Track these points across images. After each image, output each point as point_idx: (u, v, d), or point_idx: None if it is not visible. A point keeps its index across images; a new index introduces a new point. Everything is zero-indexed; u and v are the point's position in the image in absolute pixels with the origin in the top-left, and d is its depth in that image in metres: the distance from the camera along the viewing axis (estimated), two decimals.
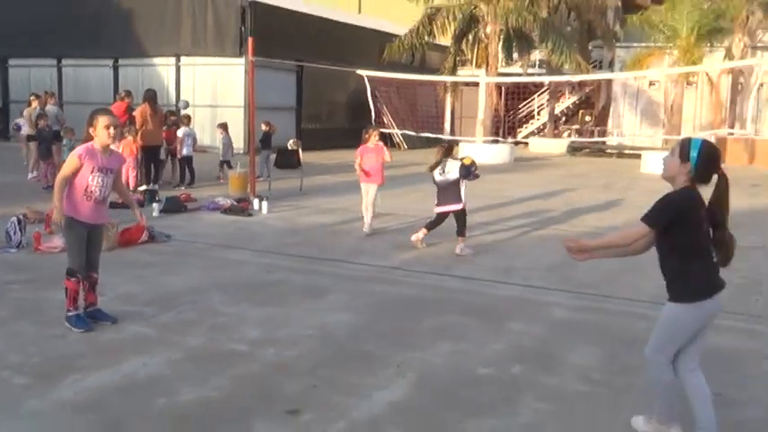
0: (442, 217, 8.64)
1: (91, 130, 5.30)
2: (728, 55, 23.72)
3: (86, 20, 24.94)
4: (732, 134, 23.67)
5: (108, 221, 6.33)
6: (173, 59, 24.43)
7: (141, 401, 4.07)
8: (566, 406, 4.14)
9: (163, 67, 24.72)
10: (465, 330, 5.46)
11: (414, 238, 8.64)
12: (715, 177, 3.50)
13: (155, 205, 10.81)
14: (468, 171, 8.44)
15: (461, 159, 8.62)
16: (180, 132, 14.45)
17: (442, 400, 4.18)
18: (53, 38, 25.50)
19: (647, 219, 3.49)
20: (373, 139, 9.50)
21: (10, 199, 11.35)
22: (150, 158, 13.41)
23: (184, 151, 14.32)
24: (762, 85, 24.18)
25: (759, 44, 24.74)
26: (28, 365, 4.57)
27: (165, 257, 7.88)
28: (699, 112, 24.93)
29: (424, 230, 8.66)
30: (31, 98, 15.98)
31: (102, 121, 5.26)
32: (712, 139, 23.67)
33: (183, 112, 16.92)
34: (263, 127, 15.68)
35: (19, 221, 8.20)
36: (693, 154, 3.46)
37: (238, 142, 22.90)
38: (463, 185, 8.47)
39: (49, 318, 5.57)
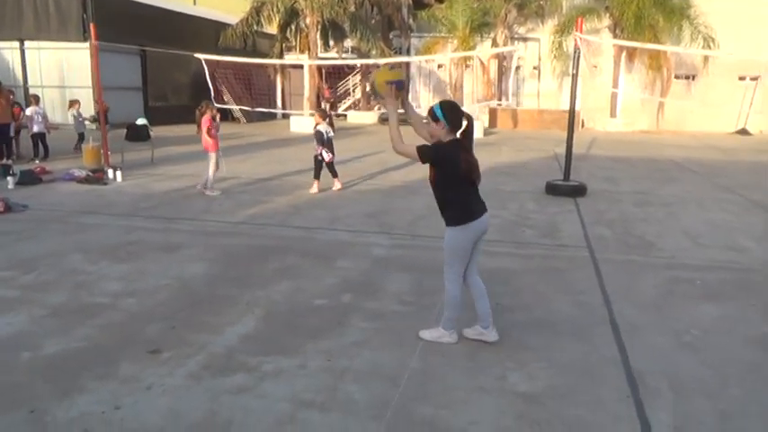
0: (328, 164, 9.37)
1: None
2: (494, 43, 25.23)
3: None
4: (500, 105, 25.31)
5: None
6: (17, 43, 21.59)
7: (7, 357, 3.62)
8: (385, 323, 4.24)
9: (7, 51, 21.78)
10: (303, 270, 5.41)
11: (312, 191, 9.20)
12: (464, 122, 3.69)
13: (9, 179, 9.55)
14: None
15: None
16: (29, 111, 12.87)
17: (285, 329, 4.12)
18: None
19: (420, 151, 3.64)
20: (211, 112, 9.04)
21: None
22: (1, 136, 11.84)
23: (35, 128, 12.73)
24: (519, 67, 25.98)
25: (516, 35, 26.50)
26: None
27: (22, 225, 7.02)
28: (475, 88, 26.30)
29: (316, 183, 9.26)
30: None
31: None
32: (486, 110, 25.24)
33: (30, 92, 15.05)
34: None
35: None
36: (439, 114, 3.66)
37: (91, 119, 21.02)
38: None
39: None
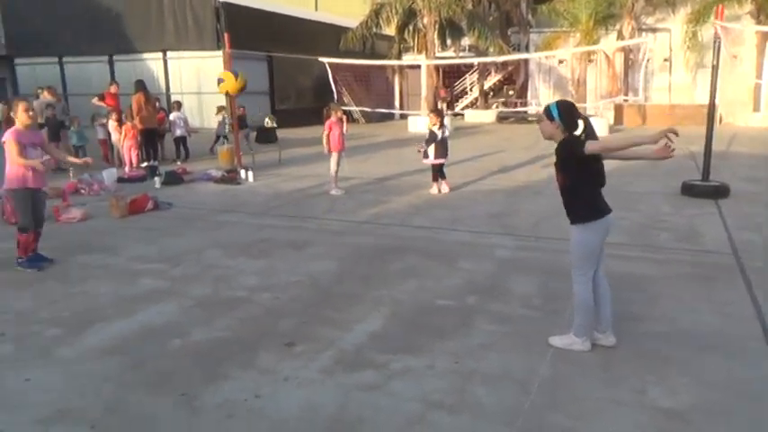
0: (437, 167, 9.21)
1: (12, 114, 5.46)
2: (620, 36, 23.89)
3: (84, 22, 23.89)
4: (627, 101, 23.95)
5: (47, 186, 6.17)
6: (160, 54, 23.56)
7: (160, 343, 3.95)
8: (513, 327, 4.16)
9: (152, 61, 23.82)
10: (426, 270, 5.44)
11: (433, 191, 9.18)
12: (581, 123, 3.54)
13: (156, 179, 10.46)
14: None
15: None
16: (172, 116, 14.02)
17: (411, 328, 4.16)
18: (56, 39, 24.44)
19: (575, 144, 3.49)
20: (336, 114, 9.30)
21: None
22: (148, 139, 12.97)
23: (177, 132, 13.83)
24: (648, 60, 24.44)
25: (643, 26, 24.93)
26: (58, 319, 4.40)
27: (168, 222, 7.65)
28: (599, 83, 25.09)
29: (435, 184, 9.26)
30: (39, 91, 15.15)
31: (21, 106, 5.43)
32: (611, 106, 24.02)
33: (172, 99, 16.37)
34: (239, 111, 15.26)
35: None
36: (555, 113, 3.55)
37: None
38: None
39: (74, 277, 5.38)
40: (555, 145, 3.63)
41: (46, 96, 13.14)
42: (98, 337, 4.07)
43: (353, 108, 24.78)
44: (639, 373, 3.48)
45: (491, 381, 3.41)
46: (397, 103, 31.53)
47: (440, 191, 9.22)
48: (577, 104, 3.88)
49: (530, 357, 3.69)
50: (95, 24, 23.84)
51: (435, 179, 9.32)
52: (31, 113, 5.50)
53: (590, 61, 24.35)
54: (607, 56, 24.56)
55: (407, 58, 26.39)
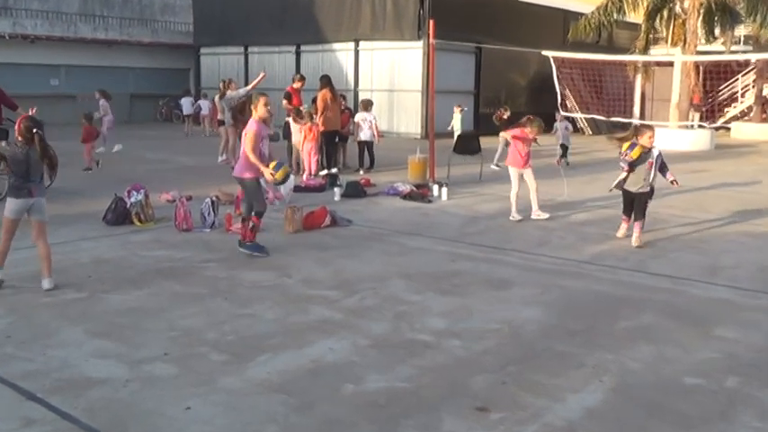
0: (630, 197, 8.04)
1: (252, 107, 7.28)
2: None
3: (271, 9, 26.42)
4: None
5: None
6: (351, 44, 25.13)
7: (330, 386, 4.16)
8: None
9: (342, 53, 25.52)
10: (666, 334, 5.10)
11: (620, 234, 8.33)
12: None
13: (336, 189, 11.15)
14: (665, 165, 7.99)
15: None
16: (358, 117, 14.75)
17: (645, 410, 3.91)
18: (240, 28, 27.39)
19: None
20: (532, 132, 9.31)
21: (202, 181, 12.19)
22: (330, 143, 13.86)
23: (362, 136, 14.47)
24: None
25: None
26: (223, 343, 4.84)
27: (346, 241, 8.09)
28: None
29: (624, 223, 8.32)
30: (222, 84, 16.89)
31: (262, 100, 7.23)
32: None
33: (360, 96, 17.42)
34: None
35: (212, 203, 8.77)
36: None
37: (416, 127, 23.34)
38: (652, 171, 7.91)
39: (241, 296, 5.91)
40: None
41: (233, 89, 14.66)
42: (264, 368, 4.40)
43: (578, 115, 24.25)
44: None
45: None
46: (636, 109, 30.22)
47: (633, 238, 7.95)
48: None
49: None
50: (284, 11, 26.29)
51: (628, 215, 8.22)
52: (269, 108, 7.29)
53: None
54: None
55: (656, 52, 25.23)
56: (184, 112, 25.11)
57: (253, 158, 7.05)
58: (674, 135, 21.05)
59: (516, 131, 9.48)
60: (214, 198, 8.97)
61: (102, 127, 17.09)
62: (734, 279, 6.62)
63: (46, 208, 6.12)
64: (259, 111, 7.20)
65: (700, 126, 22.92)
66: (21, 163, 5.86)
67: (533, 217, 9.42)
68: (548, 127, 9.52)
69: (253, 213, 7.32)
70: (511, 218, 9.37)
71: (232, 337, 4.97)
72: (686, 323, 5.34)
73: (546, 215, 9.42)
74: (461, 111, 18.71)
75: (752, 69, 28.35)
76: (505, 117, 15.49)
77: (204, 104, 24.52)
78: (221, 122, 15.56)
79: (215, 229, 8.53)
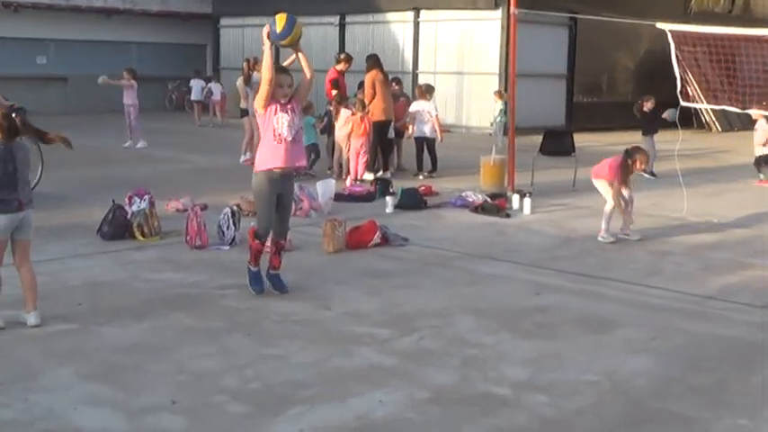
0: None
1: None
2: None
3: None
4: None
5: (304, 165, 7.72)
6: (410, 14, 25.18)
7: None
8: None
9: (397, 25, 25.59)
10: None
11: None
12: None
13: (388, 199, 11.17)
14: None
15: None
16: (414, 106, 14.64)
17: None
18: None
19: None
20: None
21: (220, 186, 12.37)
22: (381, 138, 13.83)
23: (422, 131, 14.38)
24: None
25: None
26: (245, 391, 4.90)
27: (401, 266, 8.11)
28: None
29: None
30: (246, 64, 16.93)
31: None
32: None
33: (420, 80, 17.40)
34: None
35: (233, 214, 8.86)
36: None
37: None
38: None
39: (267, 332, 5.99)
40: None
41: (260, 71, 14.81)
42: (296, 425, 4.43)
43: (703, 106, 23.87)
44: None
45: None
46: None
47: None
48: None
49: None
50: None
51: None
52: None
53: None
54: None
55: None
56: (193, 98, 25.60)
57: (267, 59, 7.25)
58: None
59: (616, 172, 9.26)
60: (234, 208, 9.07)
61: (129, 118, 17.77)
62: None
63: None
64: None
65: None
66: (4, 162, 5.65)
67: (622, 235, 9.35)
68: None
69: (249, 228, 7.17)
70: (624, 235, 9.33)
71: (255, 384, 5.02)
72: None
73: (612, 238, 9.25)
74: (503, 100, 18.35)
75: None
76: (646, 109, 15.14)
77: (216, 89, 24.86)
78: (244, 112, 15.66)
79: (235, 246, 8.64)
